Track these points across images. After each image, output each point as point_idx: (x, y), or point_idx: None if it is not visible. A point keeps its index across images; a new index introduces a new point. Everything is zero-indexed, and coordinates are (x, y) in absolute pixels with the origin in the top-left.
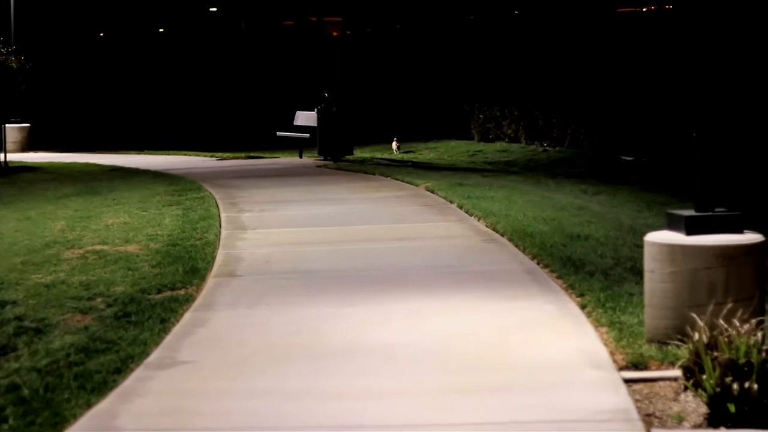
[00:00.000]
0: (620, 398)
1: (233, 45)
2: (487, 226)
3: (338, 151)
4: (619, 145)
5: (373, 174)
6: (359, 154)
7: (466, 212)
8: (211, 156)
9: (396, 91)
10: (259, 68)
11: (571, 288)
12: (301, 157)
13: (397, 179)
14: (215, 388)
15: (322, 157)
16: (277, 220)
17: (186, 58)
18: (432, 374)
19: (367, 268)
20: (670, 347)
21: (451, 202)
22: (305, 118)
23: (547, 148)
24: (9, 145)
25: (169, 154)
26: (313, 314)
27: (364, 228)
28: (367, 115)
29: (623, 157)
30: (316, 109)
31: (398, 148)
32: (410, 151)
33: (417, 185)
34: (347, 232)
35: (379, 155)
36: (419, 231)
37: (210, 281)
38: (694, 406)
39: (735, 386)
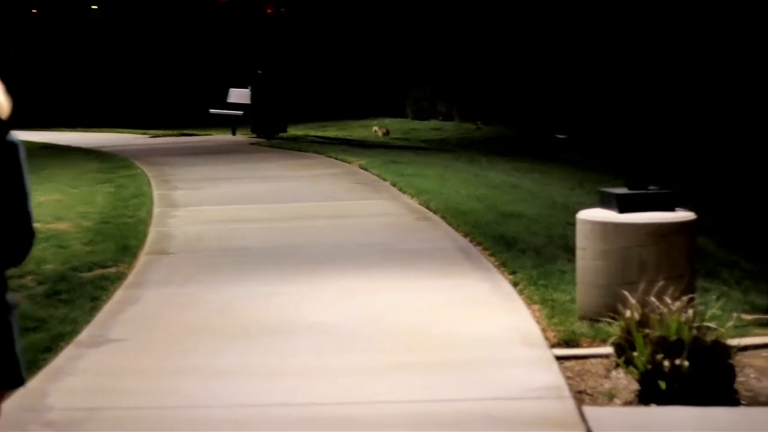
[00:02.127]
0: (552, 375)
1: (166, 21)
2: (420, 204)
3: (272, 129)
4: (552, 124)
5: (307, 152)
6: (293, 132)
7: (400, 190)
8: (144, 133)
9: (330, 69)
10: (193, 45)
11: (503, 266)
12: (234, 134)
13: (330, 157)
14: (146, 366)
15: (255, 135)
16: (209, 198)
17: (118, 34)
18: (365, 352)
19: (300, 245)
20: (601, 324)
21: (384, 179)
22: (238, 95)
23: (480, 126)
24: None
25: (101, 132)
26: (246, 292)
27: (298, 206)
28: (302, 93)
29: (556, 135)
30: (249, 87)
31: (386, 133)
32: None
33: (350, 163)
34: (280, 209)
35: (313, 133)
36: (353, 209)
37: (142, 259)
38: (626, 383)
39: (666, 363)
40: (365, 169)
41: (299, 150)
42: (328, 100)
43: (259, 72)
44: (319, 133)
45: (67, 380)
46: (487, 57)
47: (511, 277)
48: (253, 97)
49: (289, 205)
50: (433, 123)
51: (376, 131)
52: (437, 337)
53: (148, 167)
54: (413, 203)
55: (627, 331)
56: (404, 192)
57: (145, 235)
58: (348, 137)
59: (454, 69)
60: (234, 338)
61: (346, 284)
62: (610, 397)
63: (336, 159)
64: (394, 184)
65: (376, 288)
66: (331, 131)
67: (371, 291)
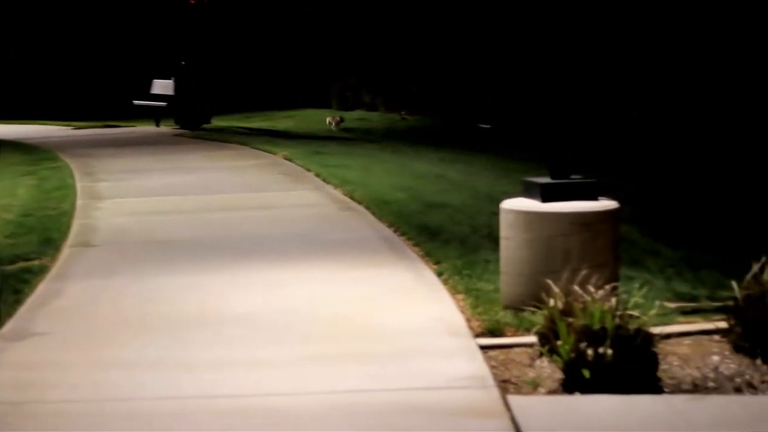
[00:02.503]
0: (476, 365)
1: (92, 11)
2: (344, 195)
3: (196, 120)
4: (477, 113)
5: (231, 143)
6: (217, 123)
7: (324, 180)
8: (68, 125)
9: (255, 60)
10: (117, 35)
11: (428, 256)
12: (158, 125)
13: (254, 148)
14: (70, 359)
15: (179, 126)
16: (133, 190)
17: (39, 23)
18: (289, 343)
19: (225, 237)
20: (525, 314)
21: (308, 170)
22: (162, 86)
23: (405, 116)
24: None
25: (24, 124)
26: (170, 284)
27: (222, 197)
28: (227, 84)
29: (481, 125)
30: (173, 78)
31: (339, 122)
32: (267, 120)
33: (274, 154)
34: (204, 201)
35: (237, 124)
36: (276, 200)
37: (65, 251)
38: (549, 372)
39: (589, 352)
40: (289, 160)
41: (223, 141)
42: (253, 91)
43: (183, 63)
44: (243, 125)
45: None
46: (411, 48)
47: (435, 267)
48: (176, 88)
49: (214, 196)
50: (357, 113)
51: (330, 122)
52: (362, 327)
53: (71, 159)
54: (337, 194)
55: (551, 320)
56: (328, 183)
57: (68, 227)
58: (272, 128)
59: (379, 60)
60: (158, 330)
61: (270, 275)
62: (534, 386)
63: (260, 150)
64: (318, 175)
65: (300, 279)
66: (256, 122)
67: (296, 282)
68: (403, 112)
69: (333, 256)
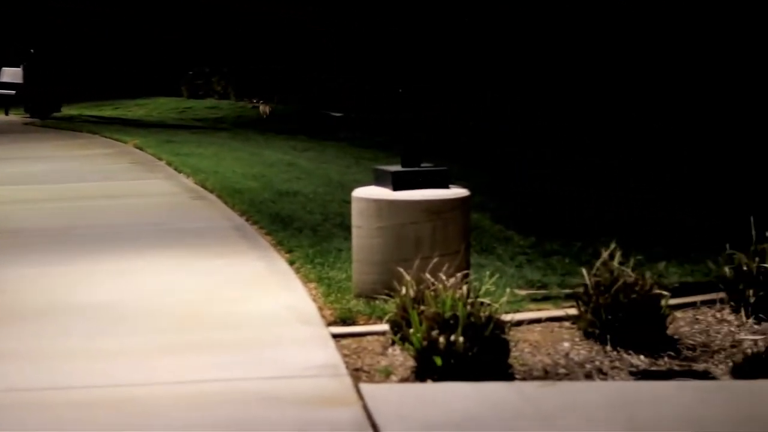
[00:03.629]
0: (329, 353)
1: None
2: (195, 183)
3: (45, 109)
4: (328, 101)
5: (81, 131)
6: (68, 111)
7: (175, 169)
8: None
9: (105, 48)
10: None
11: (280, 244)
12: (7, 114)
13: (105, 136)
14: None
15: (29, 115)
16: None
17: None
18: (141, 333)
19: (74, 226)
20: (378, 302)
21: (159, 159)
22: (11, 74)
23: (256, 104)
24: None
25: None
26: (17, 274)
27: (71, 186)
28: (77, 72)
29: (332, 113)
30: (21, 66)
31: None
32: (118, 108)
33: (125, 142)
34: (53, 190)
35: (87, 113)
36: (127, 189)
37: None
38: (402, 360)
39: (441, 339)
40: (140, 149)
41: (74, 130)
42: (103, 79)
43: (32, 51)
44: (94, 113)
45: None
46: (259, 35)
47: (287, 255)
48: (25, 76)
49: (63, 185)
50: (208, 102)
51: (263, 111)
52: (214, 316)
53: None
54: (189, 182)
55: (403, 308)
56: (180, 171)
57: None
58: (123, 117)
59: (230, 48)
60: (3, 321)
61: (122, 265)
62: (386, 374)
63: (111, 139)
64: (169, 164)
65: (152, 268)
66: (107, 111)
67: (147, 271)
68: (254, 100)
69: (185, 245)
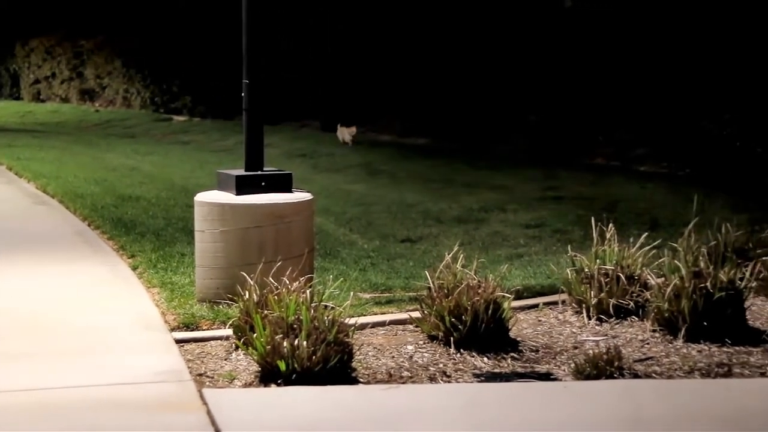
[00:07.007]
0: (172, 359)
1: None
2: (37, 188)
3: None
4: (171, 103)
5: None
6: None
7: (16, 174)
8: None
9: None
10: None
11: (122, 249)
12: None
13: None
14: None
15: None
16: None
17: None
18: None
19: None
20: (221, 307)
21: None
22: None
23: (98, 108)
24: None
25: None
26: None
27: None
28: None
29: (175, 117)
30: None
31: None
32: None
33: None
34: None
35: None
36: None
37: None
38: (246, 364)
39: (285, 344)
40: None
41: None
42: None
43: None
44: None
45: None
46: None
47: (130, 260)
48: None
49: None
50: (50, 105)
51: (345, 140)
52: (55, 323)
53: None
54: (30, 187)
55: (246, 313)
56: (21, 176)
57: None
58: None
59: (73, 51)
60: None
61: None
62: (230, 379)
63: None
64: (10, 168)
65: None
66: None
67: None
68: (96, 104)
69: (26, 251)
